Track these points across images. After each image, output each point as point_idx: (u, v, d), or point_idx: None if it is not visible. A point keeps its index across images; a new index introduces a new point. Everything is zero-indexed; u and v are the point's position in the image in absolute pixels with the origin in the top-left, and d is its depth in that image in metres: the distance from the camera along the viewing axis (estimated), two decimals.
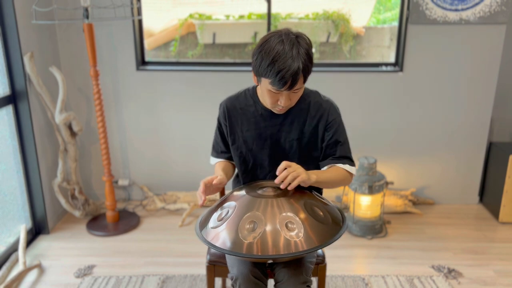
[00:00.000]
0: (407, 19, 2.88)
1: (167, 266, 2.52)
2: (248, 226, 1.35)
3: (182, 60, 3.23)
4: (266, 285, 1.57)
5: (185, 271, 2.46)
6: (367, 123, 3.09)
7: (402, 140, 3.13)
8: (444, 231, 2.90)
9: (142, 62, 3.07)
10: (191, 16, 3.24)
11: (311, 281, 1.56)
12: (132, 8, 2.87)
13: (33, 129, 2.65)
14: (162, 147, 3.18)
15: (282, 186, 1.44)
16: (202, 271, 2.45)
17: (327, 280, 2.36)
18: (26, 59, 2.56)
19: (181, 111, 3.09)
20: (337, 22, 3.21)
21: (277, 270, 1.57)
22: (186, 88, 3.04)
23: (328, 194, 3.19)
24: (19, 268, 2.44)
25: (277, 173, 1.45)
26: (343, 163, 1.62)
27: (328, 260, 2.44)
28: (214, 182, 1.52)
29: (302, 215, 1.38)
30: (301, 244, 1.32)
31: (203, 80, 3.03)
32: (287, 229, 1.34)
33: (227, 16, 3.27)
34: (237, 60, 3.17)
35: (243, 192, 1.51)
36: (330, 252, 2.60)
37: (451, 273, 2.44)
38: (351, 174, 1.64)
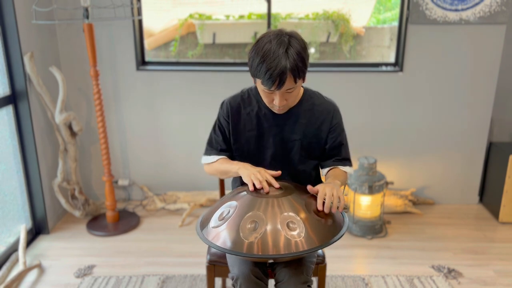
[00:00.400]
0: (407, 19, 2.88)
1: (167, 266, 2.51)
2: (249, 226, 1.35)
3: (182, 60, 3.23)
4: (266, 284, 1.57)
5: (185, 271, 2.46)
6: (367, 123, 3.09)
7: (402, 140, 3.13)
8: (444, 231, 2.90)
9: (142, 62, 3.07)
10: (191, 16, 3.24)
11: (311, 281, 1.56)
12: (132, 8, 2.87)
13: (33, 129, 2.65)
14: (162, 147, 3.18)
15: (333, 210, 1.43)
16: (202, 271, 2.45)
17: (327, 280, 2.36)
18: (26, 59, 2.56)
19: (181, 111, 3.09)
20: (337, 22, 3.21)
21: (277, 270, 1.57)
22: (186, 88, 3.04)
23: None
24: (19, 268, 2.44)
25: (318, 201, 1.43)
26: (344, 165, 1.68)
27: (328, 260, 2.44)
28: (274, 173, 1.54)
29: (303, 215, 1.38)
30: (302, 244, 1.32)
31: (203, 80, 3.03)
32: (288, 229, 1.34)
33: (227, 16, 3.27)
34: (237, 60, 3.17)
35: (244, 191, 1.51)
36: (330, 252, 2.60)
37: (451, 273, 2.44)
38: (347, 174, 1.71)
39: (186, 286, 2.33)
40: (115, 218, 2.95)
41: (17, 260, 2.53)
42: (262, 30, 3.17)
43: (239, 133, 1.67)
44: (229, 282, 2.26)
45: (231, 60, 3.22)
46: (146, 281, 2.37)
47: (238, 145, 1.68)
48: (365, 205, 2.82)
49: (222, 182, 1.97)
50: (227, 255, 1.66)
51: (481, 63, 2.95)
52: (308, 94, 1.64)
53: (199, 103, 3.07)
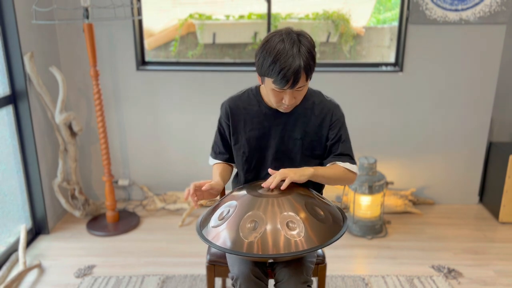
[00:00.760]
0: (407, 19, 2.88)
1: (167, 266, 2.51)
2: (249, 225, 1.35)
3: (182, 60, 3.24)
4: (266, 284, 1.57)
5: (185, 271, 2.46)
6: (367, 123, 3.09)
7: (402, 140, 3.13)
8: (444, 231, 2.90)
9: (142, 62, 3.07)
10: (191, 16, 3.25)
11: (311, 281, 1.56)
12: (132, 8, 2.87)
13: (33, 129, 2.65)
14: (162, 147, 3.18)
15: (271, 186, 1.47)
16: (202, 271, 2.45)
17: (327, 280, 2.36)
18: (26, 59, 2.56)
19: (181, 111, 3.09)
20: (337, 22, 3.21)
21: (277, 270, 1.57)
22: (186, 88, 3.04)
23: (328, 194, 3.19)
24: (19, 268, 2.44)
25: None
26: (343, 161, 1.63)
27: (328, 260, 2.44)
28: (204, 187, 1.52)
29: (303, 215, 1.38)
30: (302, 243, 1.32)
31: (203, 80, 3.03)
32: (287, 229, 1.34)
33: (227, 16, 3.28)
34: (237, 60, 3.18)
35: (244, 191, 1.51)
36: (330, 252, 2.60)
37: (451, 273, 2.44)
38: (353, 172, 1.64)
39: (186, 286, 2.33)
40: (115, 218, 2.95)
41: (17, 260, 2.53)
42: (262, 30, 3.17)
43: (240, 133, 1.67)
44: (229, 282, 2.26)
45: (231, 60, 3.22)
46: (146, 281, 2.36)
47: (239, 146, 1.68)
48: (365, 205, 2.82)
49: None
50: (227, 255, 1.66)
51: (481, 63, 2.95)
52: (309, 93, 1.64)
53: (199, 103, 3.07)
